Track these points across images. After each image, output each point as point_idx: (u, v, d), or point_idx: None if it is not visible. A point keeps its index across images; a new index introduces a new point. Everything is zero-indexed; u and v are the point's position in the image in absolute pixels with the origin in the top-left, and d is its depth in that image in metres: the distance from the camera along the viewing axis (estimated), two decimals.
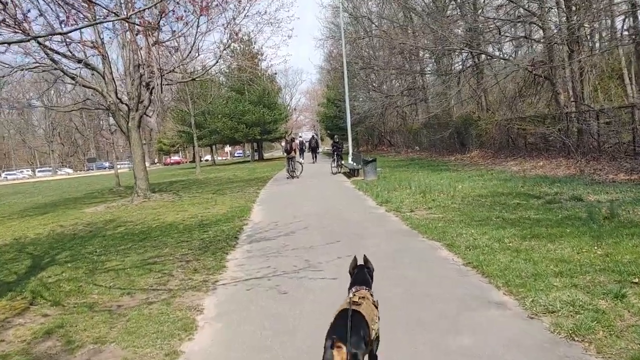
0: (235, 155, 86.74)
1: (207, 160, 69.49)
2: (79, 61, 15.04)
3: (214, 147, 59.53)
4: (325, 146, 64.44)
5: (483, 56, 22.57)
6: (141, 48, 14.97)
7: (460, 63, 26.17)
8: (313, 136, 44.18)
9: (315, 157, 35.80)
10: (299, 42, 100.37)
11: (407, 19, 31.64)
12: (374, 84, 40.53)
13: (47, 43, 14.28)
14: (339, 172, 22.58)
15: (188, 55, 15.48)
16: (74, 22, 9.62)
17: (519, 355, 3.47)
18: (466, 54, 23.61)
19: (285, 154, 23.26)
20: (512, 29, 21.95)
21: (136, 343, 4.25)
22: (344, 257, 6.42)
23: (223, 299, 5.41)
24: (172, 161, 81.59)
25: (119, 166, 31.43)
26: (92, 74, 16.63)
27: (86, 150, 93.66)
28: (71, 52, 15.15)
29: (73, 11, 9.11)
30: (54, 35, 9.55)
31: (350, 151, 25.92)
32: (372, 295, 2.98)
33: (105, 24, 15.86)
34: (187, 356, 3.99)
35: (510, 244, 6.32)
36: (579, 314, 3.94)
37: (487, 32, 20.04)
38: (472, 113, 25.19)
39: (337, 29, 39.00)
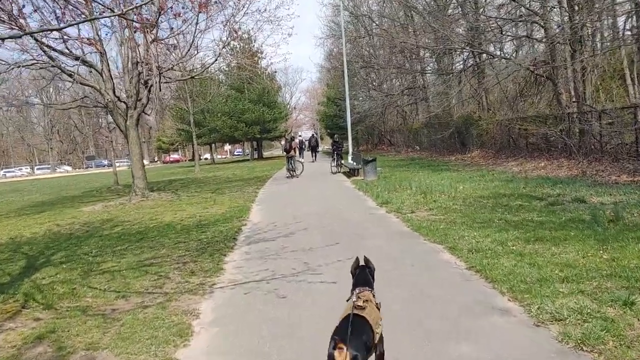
0: (235, 153, 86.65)
1: (206, 159, 69.33)
2: (77, 58, 14.89)
3: (213, 145, 59.39)
4: (325, 145, 64.35)
5: (484, 56, 22.44)
6: (139, 45, 14.83)
7: (461, 62, 26.05)
8: (313, 135, 44.09)
9: (315, 156, 35.66)
10: (299, 40, 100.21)
11: (407, 18, 31.48)
12: (374, 83, 40.39)
13: (44, 40, 14.16)
14: (339, 172, 22.46)
15: (187, 53, 15.34)
16: (71, 19, 9.50)
17: None
18: (467, 53, 23.49)
19: (284, 153, 23.13)
20: (514, 29, 21.84)
21: (130, 349, 4.12)
22: (344, 260, 6.30)
23: (220, 302, 5.28)
24: (171, 159, 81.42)
25: (117, 164, 31.26)
26: (90, 72, 16.48)
27: (85, 148, 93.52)
28: (69, 49, 15.03)
29: (70, 7, 8.96)
30: (48, 30, 9.42)
31: (350, 150, 25.78)
32: (374, 295, 3.07)
33: (103, 22, 15.73)
34: None
35: (514, 247, 6.20)
36: (587, 322, 3.81)
37: (488, 32, 19.91)
38: (473, 113, 25.06)
39: (337, 27, 38.88)
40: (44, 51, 14.75)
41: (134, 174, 16.57)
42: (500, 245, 6.34)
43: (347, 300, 3.07)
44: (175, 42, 15.58)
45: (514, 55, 23.58)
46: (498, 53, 22.73)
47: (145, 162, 77.17)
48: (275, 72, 51.14)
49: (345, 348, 2.48)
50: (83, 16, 9.96)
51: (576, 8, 15.57)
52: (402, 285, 5.23)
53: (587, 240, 6.19)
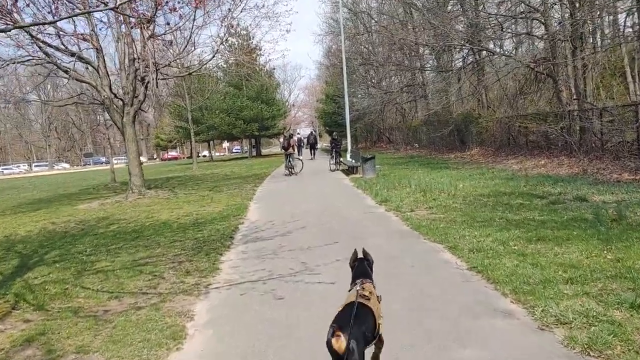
0: (234, 151, 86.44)
1: (204, 156, 69.13)
2: (73, 54, 14.72)
3: (211, 142, 59.20)
4: (324, 143, 64.19)
5: (484, 53, 22.30)
6: (134, 40, 14.65)
7: (461, 60, 25.90)
8: (312, 132, 43.91)
9: (314, 153, 35.53)
10: (298, 37, 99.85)
11: (407, 15, 31.32)
12: (373, 80, 40.24)
13: (39, 36, 14.00)
14: (338, 170, 22.32)
15: (184, 49, 15.17)
16: (66, 14, 9.35)
17: None
18: (467, 50, 23.34)
19: (283, 150, 23.01)
20: (513, 26, 21.70)
21: (121, 353, 3.99)
22: (342, 260, 6.16)
23: (215, 303, 5.15)
24: (169, 157, 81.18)
25: (115, 161, 31.18)
26: (87, 68, 16.31)
27: (83, 145, 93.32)
28: (64, 46, 14.87)
29: (64, 0, 8.81)
30: (40, 24, 9.26)
31: (349, 148, 25.64)
32: (374, 287, 3.10)
33: (99, 17, 15.55)
34: None
35: (516, 247, 6.08)
36: (594, 325, 3.68)
37: (488, 29, 19.77)
38: (473, 110, 24.94)
39: (336, 24, 38.69)
40: (40, 47, 14.61)
41: (131, 171, 16.42)
42: (502, 245, 6.22)
43: (349, 291, 3.07)
44: (173, 38, 15.43)
45: (513, 52, 23.46)
46: (498, 50, 22.58)
47: (144, 159, 77.00)
48: (274, 69, 50.89)
49: (342, 335, 2.50)
50: (77, 10, 9.80)
51: (577, 5, 15.43)
52: (402, 286, 5.10)
53: (590, 240, 6.07)
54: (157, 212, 12.25)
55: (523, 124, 18.35)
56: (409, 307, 4.55)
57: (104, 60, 15.58)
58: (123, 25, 15.72)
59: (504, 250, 6.00)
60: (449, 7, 24.94)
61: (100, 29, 15.05)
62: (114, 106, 16.04)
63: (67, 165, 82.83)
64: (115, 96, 15.92)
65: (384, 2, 35.41)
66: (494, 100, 24.62)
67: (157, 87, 15.14)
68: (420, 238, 7.31)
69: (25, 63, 15.41)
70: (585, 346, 3.40)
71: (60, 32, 14.80)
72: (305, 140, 41.68)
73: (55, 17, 8.54)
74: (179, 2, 11.75)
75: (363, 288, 2.94)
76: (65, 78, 16.26)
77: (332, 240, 7.57)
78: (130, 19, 14.18)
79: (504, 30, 19.00)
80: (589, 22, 16.00)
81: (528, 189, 10.97)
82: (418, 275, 5.50)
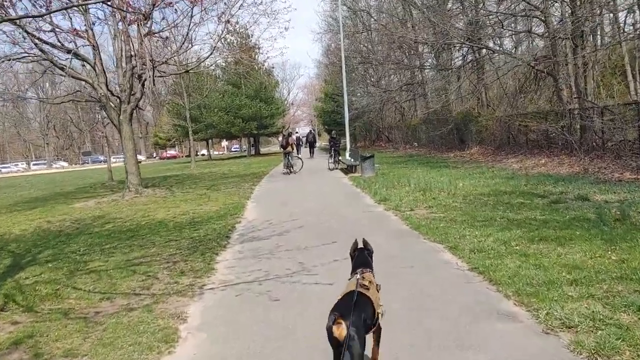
0: (232, 150, 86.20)
1: (203, 155, 68.94)
2: (69, 51, 14.56)
3: (210, 141, 59.02)
4: (323, 142, 64.04)
5: (484, 51, 22.16)
6: (131, 36, 14.48)
7: (461, 58, 25.75)
8: (310, 131, 43.81)
9: (313, 152, 35.39)
10: (297, 35, 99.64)
11: (406, 13, 31.18)
12: (372, 79, 40.09)
13: (35, 32, 13.84)
14: (336, 169, 22.19)
15: (181, 46, 15.01)
16: (62, 6, 9.18)
17: None
18: (466, 48, 23.20)
19: (282, 149, 22.86)
20: (513, 24, 21.55)
21: (110, 357, 3.85)
22: (340, 260, 6.02)
23: (210, 305, 5.02)
24: (168, 155, 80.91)
25: (114, 160, 30.99)
26: (83, 65, 16.15)
27: (81, 143, 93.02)
28: (60, 42, 14.71)
29: None
30: (29, 17, 9.09)
31: (348, 147, 25.49)
32: (374, 276, 3.15)
33: (95, 14, 15.39)
34: None
35: (518, 247, 5.94)
36: (600, 329, 3.55)
37: (488, 27, 19.63)
38: (472, 109, 24.80)
39: (335, 22, 38.51)
40: (35, 44, 14.45)
41: (128, 170, 16.26)
42: (503, 245, 6.09)
43: (349, 280, 3.12)
44: (170, 35, 15.29)
45: (513, 51, 23.32)
46: (498, 48, 22.44)
47: (142, 158, 76.90)
48: (273, 67, 50.79)
49: (343, 323, 2.54)
50: (70, 3, 9.60)
51: (578, 3, 15.29)
52: (402, 287, 4.96)
53: (593, 240, 5.94)
54: (154, 211, 12.10)
55: (523, 123, 18.22)
56: (409, 306, 4.43)
57: (101, 57, 15.41)
58: (120, 23, 15.55)
59: (505, 250, 5.87)
60: (449, 5, 24.80)
61: (95, 24, 14.84)
62: (111, 104, 15.87)
63: (65, 164, 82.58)
64: (112, 94, 15.74)
65: (383, 0, 35.24)
66: (493, 99, 24.48)
67: (154, 84, 14.97)
68: (420, 238, 7.18)
69: (21, 60, 15.23)
70: (593, 351, 3.26)
71: (57, 29, 14.66)
72: (304, 139, 41.52)
73: (49, 11, 8.36)
74: None
75: (363, 277, 2.99)
76: (62, 76, 16.08)
77: (330, 240, 7.43)
78: (127, 15, 14.06)
79: (504, 27, 18.84)
80: (590, 20, 15.84)
81: (529, 188, 10.85)
82: (418, 276, 5.37)
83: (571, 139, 15.19)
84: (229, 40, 26.25)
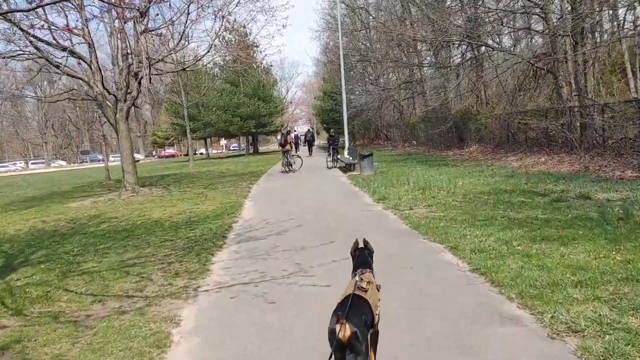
0: (231, 148, 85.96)
1: (201, 154, 68.75)
2: (64, 49, 14.40)
3: (208, 140, 58.82)
4: (321, 140, 63.89)
5: (483, 48, 22.01)
6: (124, 32, 14.31)
7: (460, 56, 25.60)
8: (309, 129, 43.61)
9: (311, 150, 35.23)
10: (296, 34, 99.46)
11: (405, 10, 31.02)
12: (370, 77, 39.91)
13: (29, 30, 13.68)
14: (335, 167, 22.05)
15: (178, 43, 14.85)
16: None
17: None
18: (465, 46, 23.05)
19: (280, 147, 22.71)
20: (512, 22, 21.40)
21: None
22: (338, 261, 5.90)
23: (204, 307, 4.89)
24: (166, 154, 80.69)
25: (112, 159, 30.81)
26: (79, 63, 15.98)
27: (80, 142, 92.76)
28: (56, 40, 14.54)
29: None
30: (17, 11, 8.93)
31: (347, 145, 25.35)
32: (374, 276, 3.16)
33: (92, 11, 15.22)
34: None
35: (519, 247, 5.81)
36: (608, 334, 3.41)
37: (487, 24, 19.48)
38: (471, 107, 24.64)
39: (333, 20, 38.36)
40: (31, 42, 14.29)
41: (124, 169, 16.10)
42: (505, 245, 5.95)
43: (352, 280, 3.12)
44: (167, 32, 15.13)
45: (512, 48, 23.17)
46: (497, 46, 22.29)
47: (141, 156, 76.75)
48: (271, 65, 50.51)
49: (347, 324, 2.53)
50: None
51: None
52: (401, 289, 4.82)
53: (597, 239, 5.81)
54: (150, 211, 11.96)
55: (523, 121, 18.08)
56: (409, 306, 4.30)
57: (96, 55, 15.24)
58: (116, 21, 15.40)
59: (507, 250, 5.74)
60: (448, 2, 24.62)
61: (90, 21, 14.67)
62: (107, 102, 15.71)
63: (63, 163, 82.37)
64: (108, 92, 15.58)
65: None
66: (492, 97, 24.34)
67: (150, 82, 14.81)
68: (420, 237, 7.04)
69: (16, 58, 15.08)
70: (601, 357, 3.13)
71: (52, 27, 14.50)
72: (302, 138, 41.37)
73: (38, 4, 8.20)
74: None
75: (361, 279, 3.00)
76: (57, 73, 15.92)
77: (328, 239, 7.29)
78: (124, 13, 13.90)
79: (503, 24, 18.69)
80: (590, 16, 15.69)
81: (529, 186, 10.72)
82: (418, 277, 5.24)
83: (571, 137, 15.05)
84: (226, 38, 26.05)
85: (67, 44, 14.82)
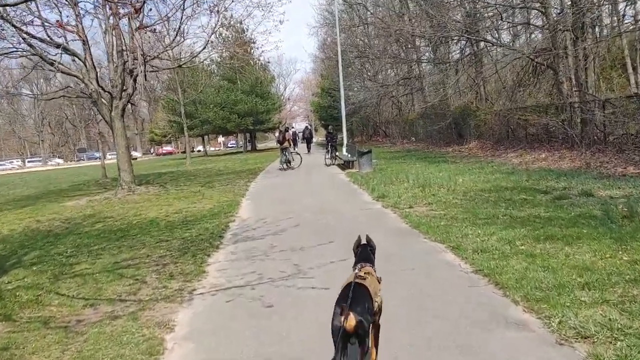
0: (229, 145, 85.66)
1: (199, 151, 68.49)
2: (58, 46, 14.20)
3: (206, 137, 58.55)
4: (320, 137, 63.71)
5: (482, 44, 21.84)
6: (115, 27, 14.10)
7: (459, 51, 25.42)
8: (307, 126, 43.40)
9: (309, 148, 35.07)
10: (293, 30, 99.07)
11: (403, 6, 30.80)
12: (369, 73, 39.71)
13: (22, 27, 13.48)
14: (333, 164, 21.88)
15: (173, 40, 14.65)
16: None
17: None
18: (464, 41, 22.88)
19: (278, 144, 22.52)
20: (510, 17, 21.21)
21: None
22: (337, 262, 5.76)
23: (200, 310, 4.74)
24: (164, 151, 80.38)
25: (110, 156, 30.60)
26: (73, 60, 15.77)
27: (77, 140, 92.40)
28: (49, 37, 14.34)
29: None
30: (4, 6, 8.75)
31: (345, 142, 25.19)
32: (375, 271, 3.23)
33: (86, 8, 15.02)
34: None
35: (523, 247, 5.67)
36: (619, 340, 3.27)
37: (486, 19, 19.30)
38: (470, 103, 24.47)
39: (331, 16, 38.11)
40: (24, 39, 14.09)
41: (120, 167, 15.91)
42: (508, 245, 5.81)
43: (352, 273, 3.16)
44: (163, 28, 14.93)
45: (511, 44, 23.00)
46: (497, 41, 22.12)
47: (138, 154, 76.52)
48: (269, 62, 50.33)
49: (351, 313, 2.60)
50: None
51: None
52: (402, 291, 4.68)
53: (602, 238, 5.67)
54: (146, 210, 11.80)
55: (522, 117, 17.93)
56: (411, 315, 4.14)
57: (91, 52, 15.04)
58: (111, 17, 15.18)
59: (510, 250, 5.59)
60: None
61: (84, 16, 14.46)
62: (102, 100, 15.51)
63: (60, 161, 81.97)
64: (104, 89, 15.38)
65: None
66: (492, 93, 24.16)
67: (145, 79, 14.61)
68: (420, 237, 6.89)
69: (9, 56, 14.87)
70: None
71: (45, 24, 14.30)
72: (300, 135, 41.18)
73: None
74: None
75: (360, 270, 3.09)
76: (51, 71, 15.71)
77: (326, 239, 7.14)
78: (118, 9, 13.70)
79: (503, 19, 18.52)
80: (591, 11, 15.53)
81: (530, 183, 10.58)
82: (419, 278, 5.09)
83: (572, 133, 14.91)
84: (223, 34, 25.87)
85: (61, 40, 14.63)
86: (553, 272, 4.67)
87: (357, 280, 2.89)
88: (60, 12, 14.70)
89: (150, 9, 12.69)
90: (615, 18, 19.48)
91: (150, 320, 4.52)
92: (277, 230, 8.18)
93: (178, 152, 75.42)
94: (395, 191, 11.19)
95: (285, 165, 21.06)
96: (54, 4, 14.35)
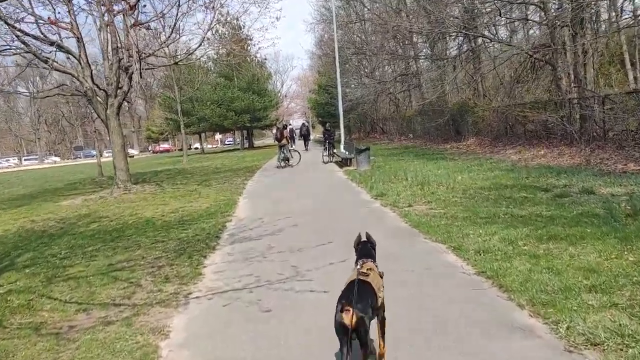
0: (226, 143, 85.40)
1: (196, 149, 68.24)
2: (52, 43, 14.01)
3: (203, 134, 58.32)
4: (317, 134, 63.52)
5: (480, 40, 21.70)
6: (110, 24, 13.91)
7: (456, 48, 25.28)
8: (304, 123, 43.22)
9: (307, 145, 34.92)
10: (290, 26, 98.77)
11: (400, 2, 30.63)
12: (366, 70, 39.54)
13: (15, 24, 13.30)
14: (331, 162, 21.74)
15: (169, 37, 14.48)
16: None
17: None
18: (462, 37, 22.73)
19: (276, 142, 22.37)
20: (509, 13, 21.08)
21: None
22: (336, 263, 5.65)
23: (196, 315, 4.62)
24: (161, 149, 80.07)
25: (106, 154, 30.28)
26: (68, 58, 15.58)
27: (73, 138, 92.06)
28: (43, 34, 14.15)
29: None
30: None
31: (342, 139, 25.04)
32: (377, 266, 3.29)
33: (80, 5, 14.83)
34: None
35: (526, 247, 5.55)
36: (631, 347, 3.15)
37: (484, 15, 19.16)
38: (468, 99, 24.35)
39: (328, 12, 37.86)
40: (17, 36, 13.90)
41: (116, 166, 15.75)
42: (510, 245, 5.69)
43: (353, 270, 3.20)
44: (158, 25, 14.75)
45: (509, 40, 22.88)
46: (495, 37, 21.99)
47: (135, 152, 76.21)
48: (266, 59, 50.09)
49: (351, 310, 2.64)
50: None
51: None
52: (402, 294, 4.55)
53: (606, 238, 5.55)
54: (142, 209, 11.65)
55: (521, 113, 17.80)
56: (412, 320, 4.02)
57: (85, 49, 14.84)
58: (105, 14, 14.99)
59: (513, 251, 5.48)
60: None
61: (78, 13, 14.27)
62: (97, 98, 15.33)
63: (57, 159, 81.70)
64: (99, 87, 15.20)
65: None
66: (490, 89, 24.03)
67: (141, 77, 14.43)
68: (421, 237, 6.77)
69: (3, 53, 14.66)
70: None
71: (39, 21, 14.11)
72: (297, 132, 41.02)
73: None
74: None
75: (362, 266, 3.14)
76: (45, 68, 15.52)
77: (325, 239, 7.01)
78: (112, 5, 13.53)
79: (501, 15, 18.38)
80: (590, 6, 15.41)
81: (530, 181, 10.46)
82: (420, 281, 4.97)
83: (571, 129, 14.80)
84: (219, 31, 25.67)
85: (55, 38, 14.46)
86: (558, 274, 4.56)
87: (360, 277, 2.94)
88: (54, 9, 14.48)
89: (145, 5, 12.50)
90: (614, 13, 19.38)
91: (144, 325, 4.39)
92: (274, 230, 8.05)
93: (175, 150, 75.16)
94: (394, 189, 11.07)
95: (283, 163, 20.90)
96: (48, 0, 14.14)
